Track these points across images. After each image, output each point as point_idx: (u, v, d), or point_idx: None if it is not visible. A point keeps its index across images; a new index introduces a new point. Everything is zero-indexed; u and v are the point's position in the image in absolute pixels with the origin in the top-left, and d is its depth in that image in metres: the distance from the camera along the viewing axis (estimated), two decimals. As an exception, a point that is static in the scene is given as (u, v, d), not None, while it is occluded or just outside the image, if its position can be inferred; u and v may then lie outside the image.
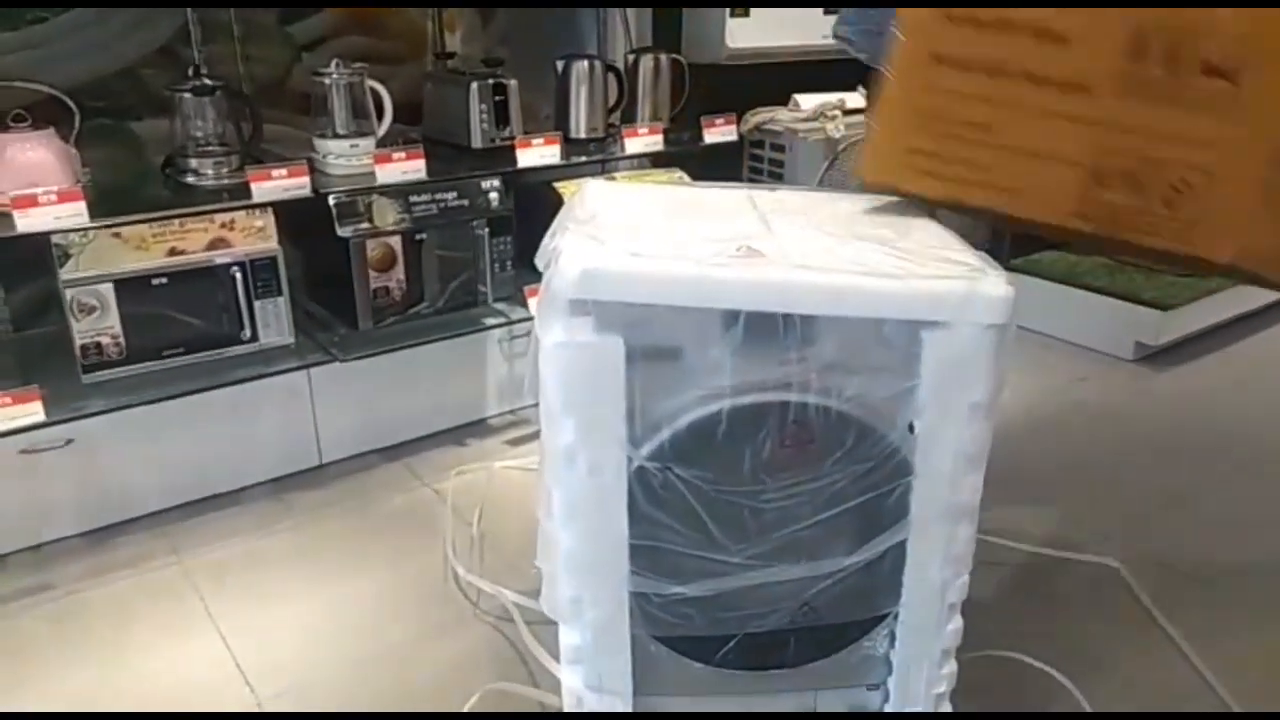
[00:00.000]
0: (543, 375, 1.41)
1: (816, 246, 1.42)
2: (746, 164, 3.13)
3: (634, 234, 1.43)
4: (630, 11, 3.18)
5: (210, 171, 2.45)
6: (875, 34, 1.82)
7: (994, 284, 1.34)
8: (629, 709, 1.52)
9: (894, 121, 1.57)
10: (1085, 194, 1.46)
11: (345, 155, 2.53)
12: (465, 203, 2.62)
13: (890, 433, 1.39)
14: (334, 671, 1.89)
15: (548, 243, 1.53)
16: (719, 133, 3.00)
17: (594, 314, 1.31)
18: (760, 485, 1.41)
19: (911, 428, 1.39)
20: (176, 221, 2.26)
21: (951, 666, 1.56)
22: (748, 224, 1.54)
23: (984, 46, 1.47)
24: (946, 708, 1.59)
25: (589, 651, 1.48)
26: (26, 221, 2.04)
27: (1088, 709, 1.77)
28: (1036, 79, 1.45)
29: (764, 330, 1.32)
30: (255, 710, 1.79)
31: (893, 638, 1.53)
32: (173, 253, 2.27)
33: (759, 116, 3.02)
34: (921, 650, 1.53)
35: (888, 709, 1.58)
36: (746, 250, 1.36)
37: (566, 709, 1.56)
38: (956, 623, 1.53)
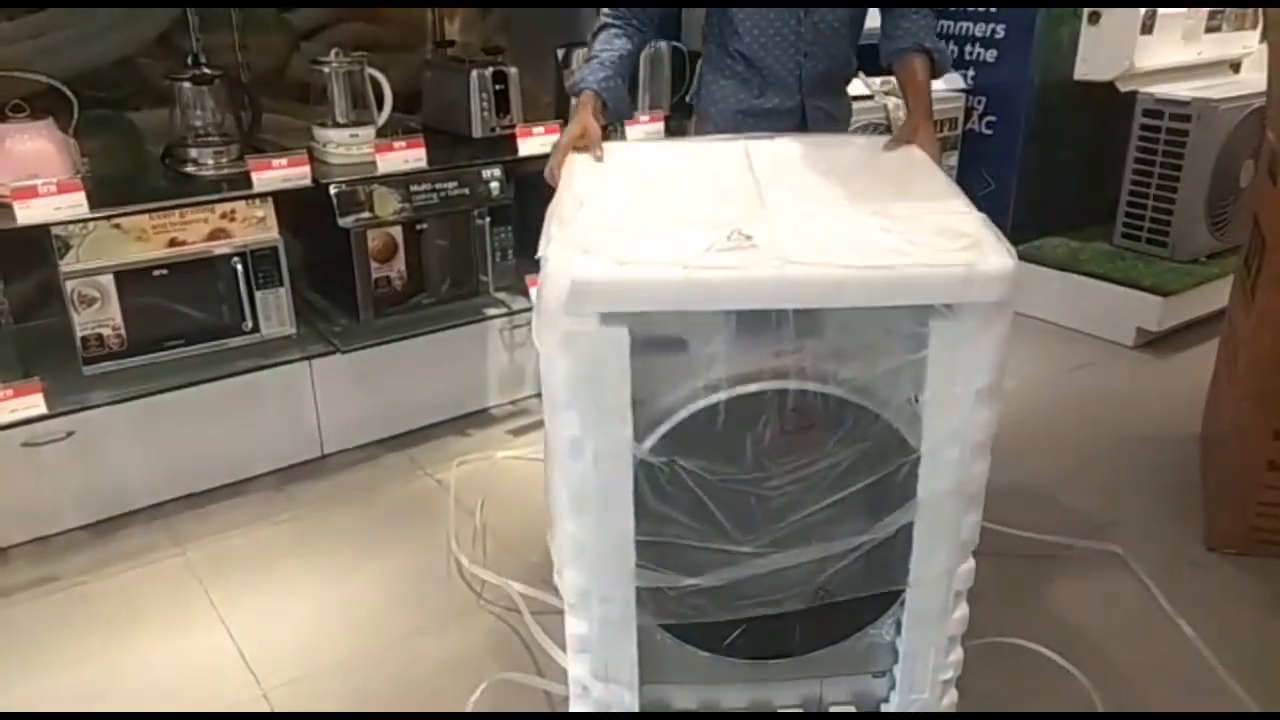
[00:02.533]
0: (546, 366, 1.40)
1: (811, 225, 1.40)
2: (747, 151, 3.13)
3: (623, 233, 1.39)
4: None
5: (210, 161, 2.44)
6: None
7: (993, 259, 1.32)
8: (635, 698, 1.52)
9: None
10: None
11: (345, 144, 2.52)
12: (466, 192, 2.61)
13: (886, 412, 1.38)
14: (338, 662, 1.90)
15: (547, 226, 1.52)
16: (720, 120, 2.99)
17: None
18: (764, 472, 1.40)
19: (915, 400, 1.37)
20: (176, 212, 2.25)
21: (958, 653, 1.56)
22: (741, 198, 1.51)
23: None
24: (953, 695, 1.59)
25: (595, 641, 1.48)
26: (26, 213, 2.03)
27: (1093, 694, 1.77)
28: None
29: (763, 319, 1.31)
30: (260, 699, 1.80)
31: (899, 625, 1.53)
32: (173, 243, 2.27)
33: (759, 104, 3.01)
34: (928, 637, 1.53)
35: (894, 696, 1.58)
36: (738, 237, 1.33)
37: (572, 698, 1.56)
38: (962, 610, 1.53)
